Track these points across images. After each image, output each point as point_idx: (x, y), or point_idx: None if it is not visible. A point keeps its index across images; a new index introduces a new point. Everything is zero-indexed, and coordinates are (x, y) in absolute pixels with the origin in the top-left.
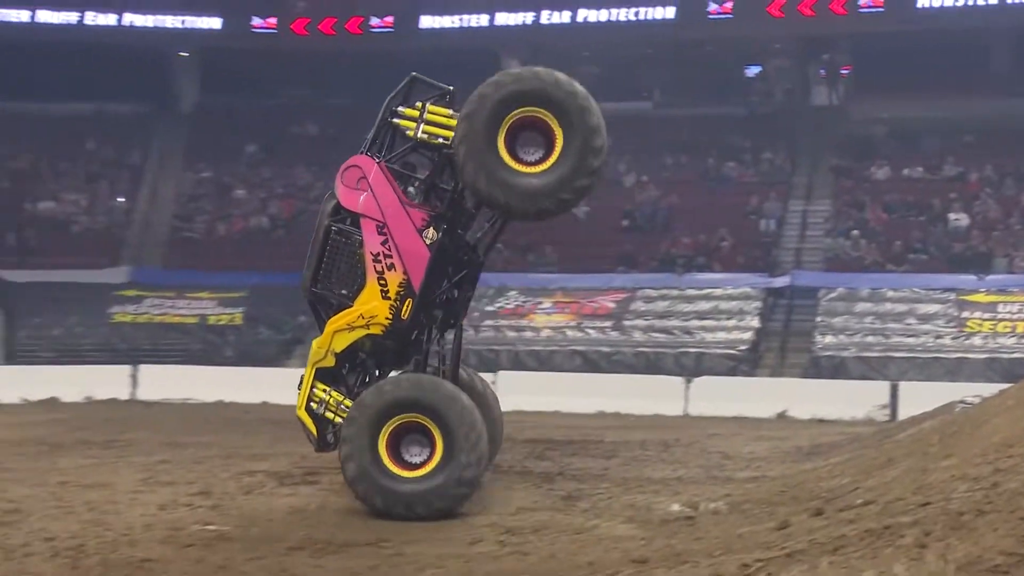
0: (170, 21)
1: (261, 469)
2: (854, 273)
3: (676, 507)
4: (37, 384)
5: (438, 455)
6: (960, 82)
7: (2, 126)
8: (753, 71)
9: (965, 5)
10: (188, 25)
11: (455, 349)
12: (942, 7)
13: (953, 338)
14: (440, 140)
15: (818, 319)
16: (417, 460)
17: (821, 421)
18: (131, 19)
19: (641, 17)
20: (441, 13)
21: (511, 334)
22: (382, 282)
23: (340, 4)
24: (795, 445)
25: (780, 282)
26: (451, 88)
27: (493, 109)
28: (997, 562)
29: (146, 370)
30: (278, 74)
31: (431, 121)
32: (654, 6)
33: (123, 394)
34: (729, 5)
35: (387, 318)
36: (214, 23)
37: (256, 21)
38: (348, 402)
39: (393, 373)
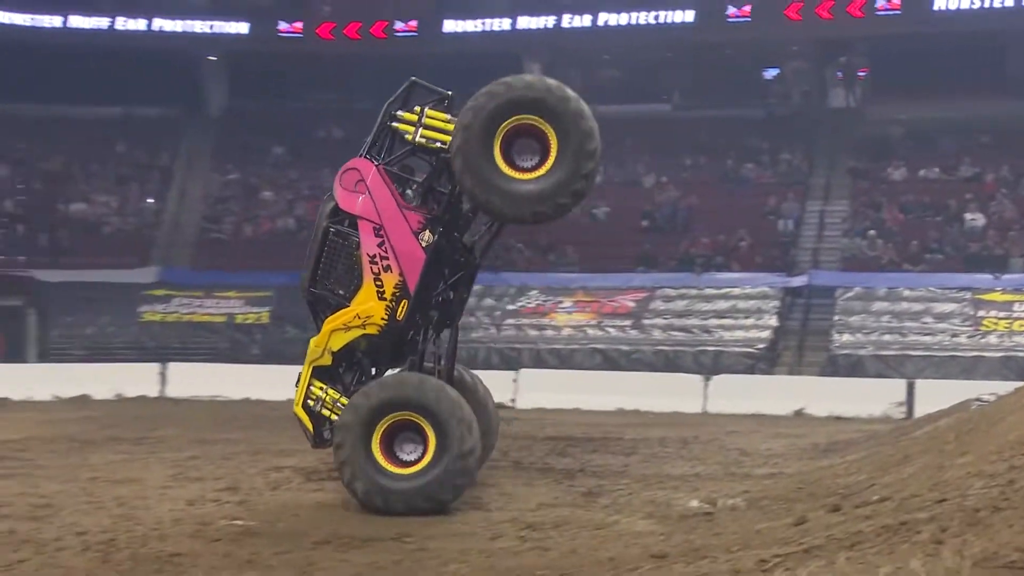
0: (198, 26)
1: (288, 465)
2: (871, 273)
3: (695, 503)
4: (69, 382)
5: (431, 450)
6: (976, 83)
7: (35, 129)
8: (771, 73)
9: (981, 7)
10: (216, 30)
11: (450, 349)
12: (958, 9)
13: (969, 337)
14: (438, 144)
15: (835, 318)
16: (412, 457)
17: (838, 419)
18: (160, 24)
19: (661, 21)
20: (464, 17)
21: (532, 333)
22: (378, 283)
23: (365, 8)
24: (812, 442)
25: (798, 281)
26: (449, 92)
27: (488, 119)
28: (1013, 558)
29: (175, 368)
30: (304, 78)
31: (429, 125)
32: (673, 10)
33: (152, 392)
34: (747, 8)
35: (383, 318)
36: (241, 28)
37: (282, 26)
38: (344, 400)
39: (389, 372)
